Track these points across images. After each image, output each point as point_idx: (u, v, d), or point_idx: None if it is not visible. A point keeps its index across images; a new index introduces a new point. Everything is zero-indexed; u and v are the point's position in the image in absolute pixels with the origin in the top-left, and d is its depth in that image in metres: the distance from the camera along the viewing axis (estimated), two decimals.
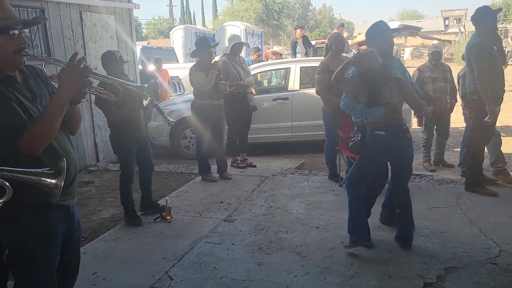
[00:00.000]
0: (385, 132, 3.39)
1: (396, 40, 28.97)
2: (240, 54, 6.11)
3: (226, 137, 5.89)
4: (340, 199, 4.71)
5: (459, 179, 5.21)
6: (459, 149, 6.08)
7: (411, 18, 61.00)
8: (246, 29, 14.35)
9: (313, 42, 11.54)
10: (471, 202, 4.47)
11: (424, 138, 5.97)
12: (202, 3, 72.14)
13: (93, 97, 6.54)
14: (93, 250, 3.75)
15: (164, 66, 10.63)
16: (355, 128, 3.74)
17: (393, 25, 6.98)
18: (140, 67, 8.48)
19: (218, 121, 5.55)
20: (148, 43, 16.58)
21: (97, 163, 6.66)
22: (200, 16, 75.29)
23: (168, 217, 4.29)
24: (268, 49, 11.02)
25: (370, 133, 3.46)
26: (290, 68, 7.12)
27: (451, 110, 5.80)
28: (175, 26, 18.00)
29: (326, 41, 11.32)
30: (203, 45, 5.46)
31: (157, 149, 7.64)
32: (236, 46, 5.82)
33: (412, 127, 7.43)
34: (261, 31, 16.51)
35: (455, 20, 55.39)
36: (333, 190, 5.04)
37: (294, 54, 9.38)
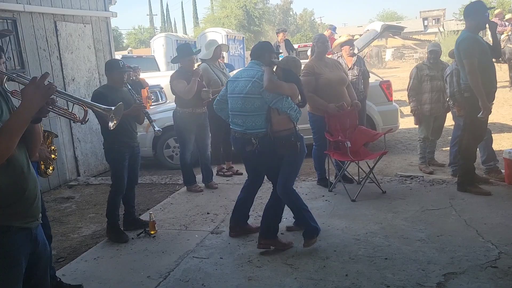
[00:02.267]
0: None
1: (377, 42, 28.88)
2: (220, 60, 5.95)
3: (210, 145, 5.71)
4: (330, 205, 4.56)
5: (450, 179, 5.11)
6: (448, 148, 6.00)
7: (391, 19, 61.63)
8: (227, 35, 14.21)
9: (295, 46, 11.44)
10: (464, 202, 4.36)
11: (420, 137, 5.83)
12: (183, 11, 72.06)
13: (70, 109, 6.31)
14: (73, 271, 3.51)
15: (146, 75, 10.43)
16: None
17: (376, 25, 6.91)
18: None
19: (201, 130, 5.36)
20: (129, 52, 16.31)
21: (78, 178, 6.40)
22: (181, 24, 75.07)
23: (152, 232, 4.08)
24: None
25: (299, 134, 3.61)
26: None
27: (449, 109, 5.68)
28: (156, 35, 17.75)
29: (308, 44, 11.30)
30: (184, 51, 5.28)
31: (140, 160, 7.43)
32: (216, 50, 5.66)
33: (399, 127, 7.40)
34: (243, 37, 16.38)
35: (434, 20, 56.14)
36: (323, 196, 4.88)
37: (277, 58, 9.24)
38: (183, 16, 73.78)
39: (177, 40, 14.74)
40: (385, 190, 4.85)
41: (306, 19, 77.91)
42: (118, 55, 12.67)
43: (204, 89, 5.29)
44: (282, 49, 9.30)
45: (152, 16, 67.54)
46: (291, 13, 75.52)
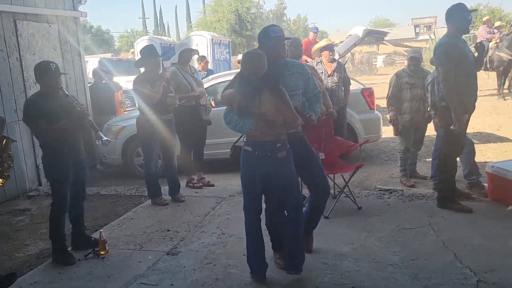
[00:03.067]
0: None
1: (368, 48, 28.90)
2: (190, 64, 5.62)
3: (178, 154, 5.35)
4: None
5: (431, 194, 4.80)
6: (430, 159, 5.70)
7: (383, 26, 61.76)
8: (212, 39, 13.86)
9: None
10: (444, 220, 4.04)
11: (401, 149, 5.52)
12: (176, 14, 71.62)
13: None
14: None
15: (127, 78, 10.05)
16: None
17: (358, 30, 6.63)
18: (91, 80, 7.86)
19: (167, 138, 5.00)
20: (112, 56, 15.92)
21: (39, 187, 6.00)
22: (174, 28, 74.59)
23: (102, 252, 3.71)
24: (238, 61, 10.53)
25: (243, 148, 3.08)
26: None
27: (430, 119, 5.37)
28: (139, 38, 17.38)
29: None
30: (149, 53, 4.94)
31: (111, 168, 7.06)
32: (184, 53, 5.31)
33: (382, 137, 7.09)
34: (229, 41, 16.03)
35: (425, 28, 56.26)
36: None
37: None
38: (176, 20, 73.40)
39: (161, 43, 14.37)
40: (361, 205, 4.52)
41: (300, 25, 78.00)
42: (96, 58, 12.34)
43: (171, 94, 4.95)
44: None
45: (144, 19, 67.00)
46: (284, 18, 75.53)
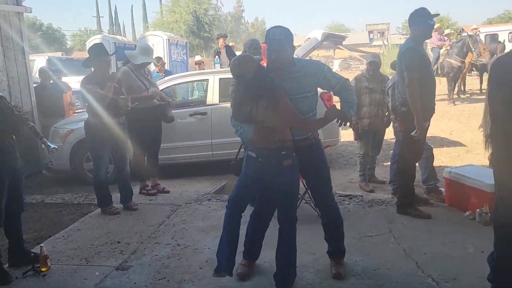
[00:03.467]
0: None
1: (325, 52, 29.41)
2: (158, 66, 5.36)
3: (130, 159, 5.06)
4: (268, 233, 4.03)
5: (390, 199, 4.77)
6: (389, 163, 5.71)
7: (339, 31, 63.21)
8: (169, 39, 13.47)
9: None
10: (404, 227, 4.00)
11: (360, 153, 5.48)
12: (132, 14, 69.43)
13: None
14: None
15: (77, 78, 9.54)
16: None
17: (317, 33, 6.58)
18: (38, 79, 7.36)
19: (118, 143, 4.70)
20: (62, 54, 15.17)
21: None
22: (130, 28, 72.64)
23: (43, 269, 3.37)
24: (195, 62, 10.23)
25: (246, 152, 2.98)
26: (208, 79, 6.43)
27: (388, 124, 5.36)
28: (92, 37, 16.70)
29: None
30: (98, 52, 4.62)
31: (58, 174, 6.61)
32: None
33: (341, 141, 7.07)
34: (186, 42, 15.63)
35: (378, 34, 58.09)
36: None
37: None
38: (132, 19, 71.33)
39: (115, 43, 13.84)
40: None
41: (258, 28, 78.36)
42: (44, 56, 11.67)
43: (122, 96, 4.65)
44: (223, 56, 8.80)
45: (99, 18, 64.91)
46: (242, 21, 75.67)
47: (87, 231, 4.22)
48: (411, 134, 4.00)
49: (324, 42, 6.68)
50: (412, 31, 4.02)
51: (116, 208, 4.72)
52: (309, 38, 7.15)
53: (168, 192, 5.39)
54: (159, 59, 9.26)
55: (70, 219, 4.71)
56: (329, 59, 34.77)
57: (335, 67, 36.92)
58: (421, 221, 4.11)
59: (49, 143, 3.45)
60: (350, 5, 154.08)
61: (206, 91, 6.46)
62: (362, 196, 4.99)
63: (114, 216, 4.61)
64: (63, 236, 4.13)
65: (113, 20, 67.48)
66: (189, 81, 6.88)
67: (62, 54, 15.13)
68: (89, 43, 14.62)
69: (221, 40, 8.76)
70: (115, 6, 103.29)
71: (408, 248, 3.56)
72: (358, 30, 65.80)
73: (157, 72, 8.73)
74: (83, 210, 4.96)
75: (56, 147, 3.61)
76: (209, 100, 6.32)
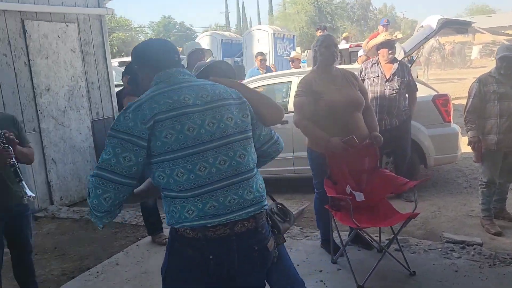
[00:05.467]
0: None
1: (462, 38, 25.70)
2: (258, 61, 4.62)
3: None
4: None
5: None
6: None
7: (482, 13, 55.97)
8: (274, 33, 12.73)
9: (346, 46, 9.64)
10: None
11: (483, 181, 4.01)
12: (258, 8, 71.03)
13: (43, 125, 5.35)
14: None
15: None
16: None
17: (432, 20, 5.14)
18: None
19: None
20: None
21: (48, 207, 5.40)
22: (256, 22, 74.18)
23: None
24: (289, 59, 9.32)
25: None
26: (291, 82, 5.48)
27: None
28: (202, 34, 16.82)
29: (361, 43, 9.47)
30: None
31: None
32: (194, 56, 4.29)
33: (461, 154, 5.51)
34: (293, 35, 14.71)
35: None
36: (320, 271, 3.33)
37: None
38: (258, 13, 72.58)
39: (222, 39, 13.60)
40: (414, 270, 3.19)
41: (387, 14, 74.03)
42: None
43: None
44: None
45: (227, 14, 67.55)
46: (370, 8, 72.05)
47: (124, 268, 3.65)
48: None
49: (442, 30, 5.21)
50: None
51: (165, 238, 4.10)
52: (422, 26, 5.72)
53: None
54: (259, 54, 8.54)
55: (121, 245, 4.23)
56: (466, 45, 30.66)
57: (474, 53, 32.51)
58: None
59: (27, 190, 2.63)
60: None
61: (288, 95, 5.52)
62: (481, 245, 3.59)
63: (161, 247, 3.98)
64: (97, 272, 3.62)
65: (241, 15, 69.66)
66: (269, 84, 5.95)
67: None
68: (199, 40, 14.59)
69: (318, 33, 7.66)
70: (243, 1, 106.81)
71: None
72: (506, 10, 57.39)
73: (257, 69, 8.04)
74: (139, 234, 4.46)
75: (34, 195, 2.74)
76: (291, 105, 5.36)
